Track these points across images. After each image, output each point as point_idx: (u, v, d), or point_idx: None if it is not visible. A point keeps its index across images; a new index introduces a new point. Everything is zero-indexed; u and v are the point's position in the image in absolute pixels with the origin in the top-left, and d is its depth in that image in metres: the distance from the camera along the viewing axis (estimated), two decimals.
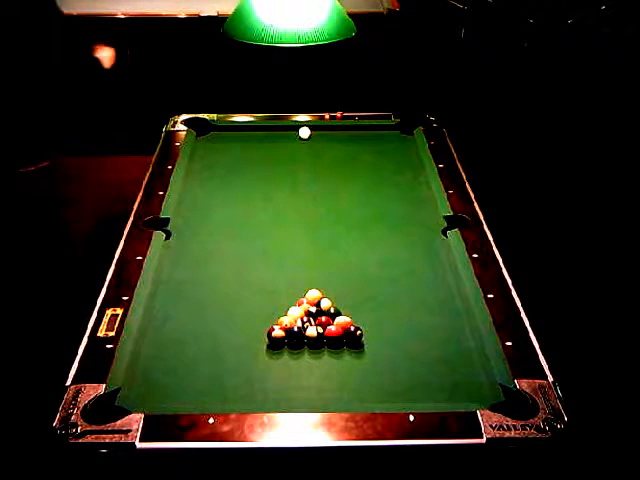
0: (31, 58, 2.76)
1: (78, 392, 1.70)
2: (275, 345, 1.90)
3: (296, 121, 3.12)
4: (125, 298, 2.03)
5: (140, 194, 2.57)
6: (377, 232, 2.43)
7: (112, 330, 1.91)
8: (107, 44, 4.28)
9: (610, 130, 4.03)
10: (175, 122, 3.07)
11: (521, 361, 1.82)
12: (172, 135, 2.98)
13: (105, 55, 4.31)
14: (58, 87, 4.13)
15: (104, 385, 1.73)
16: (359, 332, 1.91)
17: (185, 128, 3.02)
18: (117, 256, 2.23)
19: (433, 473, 1.67)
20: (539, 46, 4.17)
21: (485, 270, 2.16)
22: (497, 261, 2.21)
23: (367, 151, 2.95)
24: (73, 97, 4.25)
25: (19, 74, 2.78)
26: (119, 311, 1.98)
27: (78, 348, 1.85)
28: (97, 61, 4.33)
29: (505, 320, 1.96)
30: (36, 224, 3.72)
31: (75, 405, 1.66)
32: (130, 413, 1.64)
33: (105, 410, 1.65)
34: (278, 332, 1.90)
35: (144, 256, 2.22)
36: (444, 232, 2.38)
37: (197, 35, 4.09)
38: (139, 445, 1.58)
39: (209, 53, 4.12)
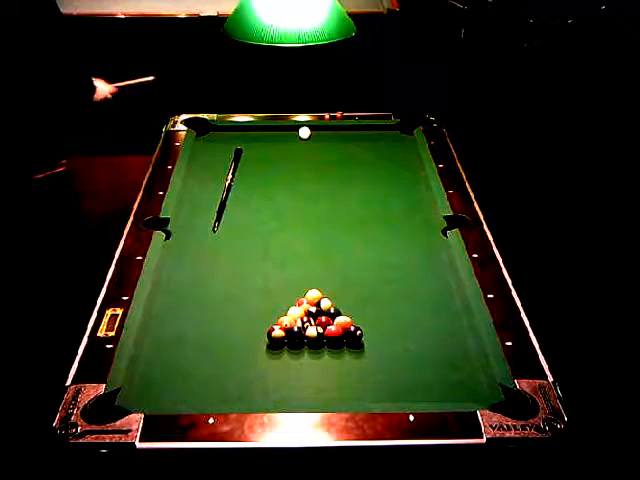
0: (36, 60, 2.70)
1: (78, 392, 1.70)
2: (275, 345, 1.90)
3: (296, 121, 3.12)
4: (125, 298, 2.03)
5: (140, 194, 2.57)
6: (377, 232, 2.43)
7: (112, 330, 1.91)
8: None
9: (610, 130, 4.03)
10: (175, 122, 3.07)
11: (521, 361, 1.82)
12: (172, 135, 2.98)
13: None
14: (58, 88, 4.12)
15: (104, 385, 1.73)
16: (359, 332, 1.91)
17: (185, 128, 3.02)
18: (117, 256, 2.23)
19: (433, 473, 1.67)
20: (539, 46, 4.17)
21: (485, 270, 2.16)
22: (497, 261, 2.21)
23: (367, 151, 2.95)
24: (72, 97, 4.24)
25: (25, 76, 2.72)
26: (119, 311, 1.98)
27: (78, 348, 1.85)
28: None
29: (505, 320, 1.96)
30: (35, 224, 3.72)
31: (75, 405, 1.66)
32: (130, 413, 1.64)
33: (105, 410, 1.65)
34: (278, 332, 1.90)
35: (144, 256, 2.22)
36: (444, 232, 2.38)
37: (197, 35, 4.09)
38: (139, 445, 1.58)
39: (209, 53, 4.11)
